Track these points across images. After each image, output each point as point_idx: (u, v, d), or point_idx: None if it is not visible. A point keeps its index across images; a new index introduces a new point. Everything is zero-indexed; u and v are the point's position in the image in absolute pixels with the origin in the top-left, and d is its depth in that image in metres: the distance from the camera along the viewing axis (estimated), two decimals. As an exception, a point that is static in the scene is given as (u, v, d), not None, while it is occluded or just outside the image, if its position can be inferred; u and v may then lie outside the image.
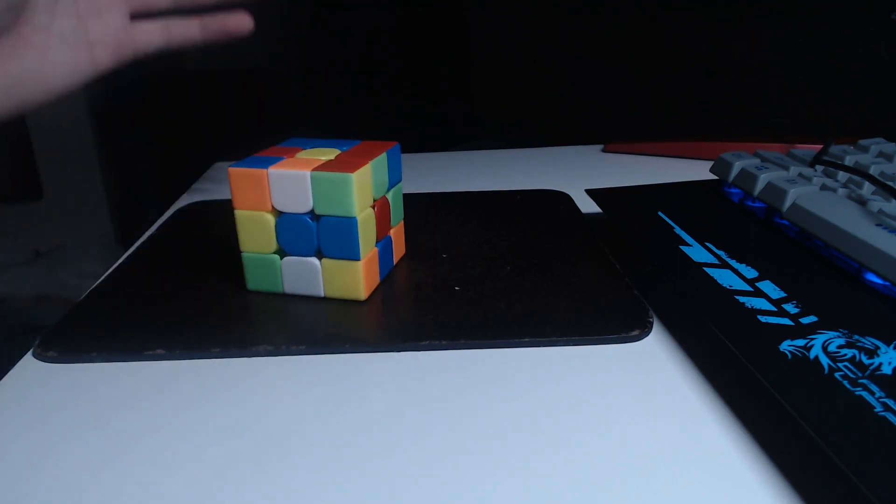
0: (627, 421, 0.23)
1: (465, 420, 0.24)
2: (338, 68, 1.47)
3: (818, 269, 0.29)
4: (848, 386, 0.21)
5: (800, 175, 0.35)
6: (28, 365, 0.28)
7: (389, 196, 0.33)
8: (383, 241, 0.33)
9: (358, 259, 0.30)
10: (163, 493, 0.21)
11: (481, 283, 0.33)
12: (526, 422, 0.24)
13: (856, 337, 0.23)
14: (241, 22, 0.38)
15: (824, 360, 0.22)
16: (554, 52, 1.21)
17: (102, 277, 0.35)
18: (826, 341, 0.23)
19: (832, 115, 0.73)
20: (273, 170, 0.30)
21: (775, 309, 0.26)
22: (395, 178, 0.34)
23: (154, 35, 0.39)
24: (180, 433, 0.24)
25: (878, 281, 0.27)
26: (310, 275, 0.31)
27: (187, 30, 0.39)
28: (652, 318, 0.29)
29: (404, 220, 0.37)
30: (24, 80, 0.35)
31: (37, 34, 0.35)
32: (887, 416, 0.19)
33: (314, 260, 0.31)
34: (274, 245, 0.31)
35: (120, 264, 0.36)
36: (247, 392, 0.26)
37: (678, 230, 0.33)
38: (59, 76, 0.36)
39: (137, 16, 0.39)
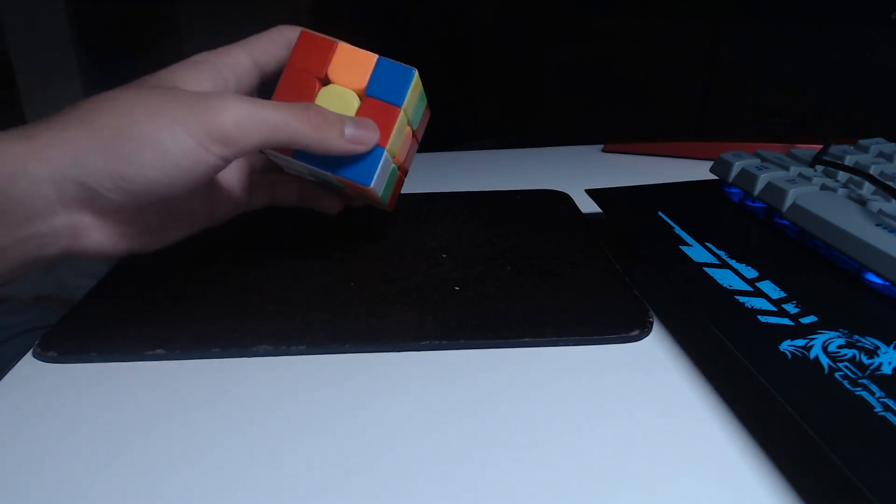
0: (627, 420, 0.23)
1: (465, 420, 0.24)
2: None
3: (818, 269, 0.29)
4: (848, 386, 0.21)
5: (800, 175, 0.35)
6: (28, 365, 0.28)
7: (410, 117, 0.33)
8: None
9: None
10: (163, 493, 0.21)
11: (481, 283, 0.32)
12: (526, 421, 0.24)
13: (856, 337, 0.23)
14: (332, 203, 0.37)
15: (824, 360, 0.22)
16: (554, 52, 1.21)
17: (102, 277, 0.35)
18: (826, 341, 0.23)
19: (832, 115, 0.73)
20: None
21: (775, 309, 0.26)
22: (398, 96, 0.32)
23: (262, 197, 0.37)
24: (180, 433, 0.24)
25: (878, 281, 0.27)
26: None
27: (288, 191, 0.37)
28: (652, 318, 0.29)
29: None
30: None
31: None
32: (887, 416, 0.19)
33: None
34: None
35: (120, 264, 0.36)
36: (246, 392, 0.26)
37: (678, 230, 0.33)
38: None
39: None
